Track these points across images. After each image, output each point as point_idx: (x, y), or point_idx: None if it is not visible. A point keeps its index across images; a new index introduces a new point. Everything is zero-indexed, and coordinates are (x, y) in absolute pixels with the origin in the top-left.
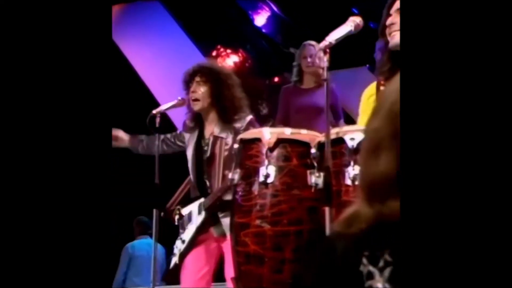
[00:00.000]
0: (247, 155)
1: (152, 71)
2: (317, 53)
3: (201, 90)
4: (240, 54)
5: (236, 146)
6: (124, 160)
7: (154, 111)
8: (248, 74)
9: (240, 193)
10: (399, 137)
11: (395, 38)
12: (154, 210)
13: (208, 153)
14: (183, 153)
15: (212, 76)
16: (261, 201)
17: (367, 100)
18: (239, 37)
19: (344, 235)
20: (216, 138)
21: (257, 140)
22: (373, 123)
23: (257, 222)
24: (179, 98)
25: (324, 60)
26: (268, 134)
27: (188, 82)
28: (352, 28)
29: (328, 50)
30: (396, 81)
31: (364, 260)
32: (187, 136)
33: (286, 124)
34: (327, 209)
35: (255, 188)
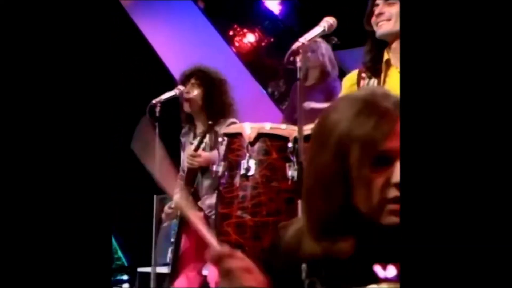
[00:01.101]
0: (230, 148)
1: (170, 50)
2: (319, 49)
3: (194, 93)
4: (256, 34)
5: (220, 140)
6: (124, 146)
7: (154, 101)
8: (264, 54)
9: (223, 185)
10: (351, 170)
11: (382, 28)
12: (155, 196)
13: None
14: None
15: (206, 80)
16: (242, 193)
17: (349, 89)
18: (255, 17)
19: (292, 256)
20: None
21: (239, 135)
22: (320, 157)
23: (238, 213)
24: (180, 87)
25: (324, 55)
26: (248, 129)
27: (183, 82)
28: (326, 28)
29: (301, 51)
30: (342, 107)
31: (306, 269)
32: (182, 139)
33: (289, 120)
34: (299, 202)
35: (237, 180)
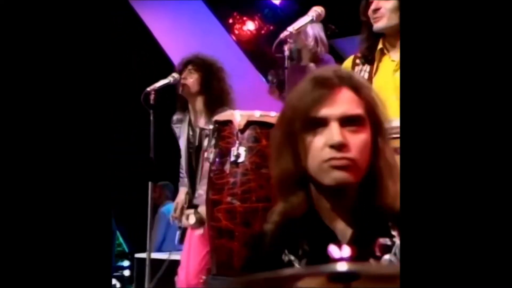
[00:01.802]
0: (221, 136)
1: (170, 38)
2: (312, 30)
3: (191, 78)
4: (256, 22)
5: (211, 127)
6: (118, 134)
7: (148, 88)
8: (264, 42)
9: (214, 171)
10: (295, 140)
11: (378, 22)
12: (150, 183)
13: (196, 143)
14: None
15: (203, 66)
16: (232, 180)
17: None
18: (255, 5)
19: (265, 231)
20: (202, 130)
21: (229, 122)
22: (276, 130)
23: (228, 199)
24: (174, 75)
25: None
26: (238, 116)
27: (181, 70)
28: (314, 17)
29: (289, 40)
30: (296, 88)
31: (286, 250)
32: (177, 129)
33: None
34: None
35: (227, 167)
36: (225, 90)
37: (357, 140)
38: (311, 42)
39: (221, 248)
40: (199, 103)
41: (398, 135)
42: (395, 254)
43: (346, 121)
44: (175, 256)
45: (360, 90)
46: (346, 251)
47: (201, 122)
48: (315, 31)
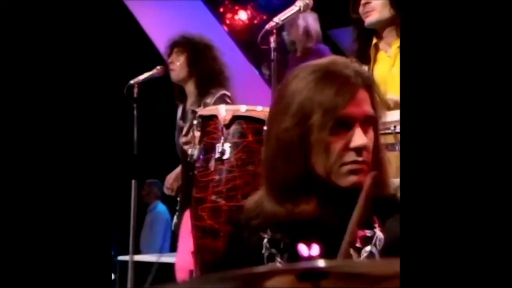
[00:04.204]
0: (205, 131)
1: (157, 28)
2: (295, 21)
3: (178, 61)
4: (248, 11)
5: (195, 122)
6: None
7: (132, 81)
8: (258, 31)
9: (198, 169)
10: (311, 135)
11: (369, 17)
12: (133, 182)
13: (187, 126)
14: (162, 125)
15: (190, 46)
16: (217, 177)
17: None
18: None
19: (249, 226)
20: (192, 111)
21: (214, 117)
22: (281, 122)
23: (213, 197)
24: (158, 67)
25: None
26: (224, 111)
27: (169, 54)
28: (301, 7)
29: (275, 31)
30: (304, 75)
31: (267, 244)
32: (178, 112)
33: None
34: None
35: (212, 164)
36: (216, 69)
37: (370, 141)
38: (300, 34)
39: (205, 249)
40: (190, 86)
41: (390, 131)
42: (375, 245)
43: (365, 122)
44: (165, 259)
45: (373, 89)
46: (315, 249)
47: (189, 103)
48: (306, 22)
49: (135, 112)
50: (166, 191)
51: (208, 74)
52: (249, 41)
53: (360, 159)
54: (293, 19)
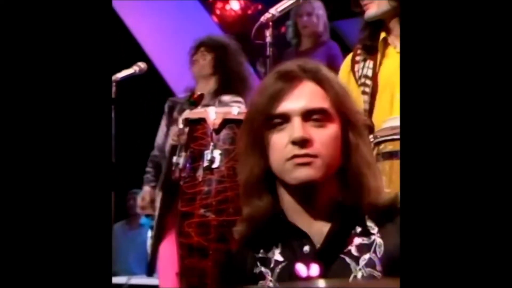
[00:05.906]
0: (193, 136)
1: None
2: (314, 10)
3: (204, 60)
4: (241, 1)
5: (181, 126)
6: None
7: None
8: (251, 23)
9: (184, 179)
10: (258, 136)
11: (369, 10)
12: (112, 193)
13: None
14: (141, 132)
15: (217, 47)
16: (206, 188)
17: (346, 77)
18: None
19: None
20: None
21: (202, 121)
22: (242, 129)
23: (201, 211)
24: (139, 63)
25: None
26: (213, 114)
27: (193, 53)
28: None
29: (271, 24)
30: (262, 82)
31: (258, 263)
32: (166, 108)
33: None
34: None
35: (200, 173)
36: (240, 74)
37: (323, 135)
38: (321, 26)
39: (192, 269)
40: (209, 85)
41: (392, 138)
42: (375, 252)
43: (309, 116)
44: (135, 280)
45: (326, 82)
46: (314, 269)
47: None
48: (318, 10)
49: (112, 114)
50: (139, 210)
51: (231, 77)
52: (242, 34)
53: (301, 152)
54: (307, 9)
